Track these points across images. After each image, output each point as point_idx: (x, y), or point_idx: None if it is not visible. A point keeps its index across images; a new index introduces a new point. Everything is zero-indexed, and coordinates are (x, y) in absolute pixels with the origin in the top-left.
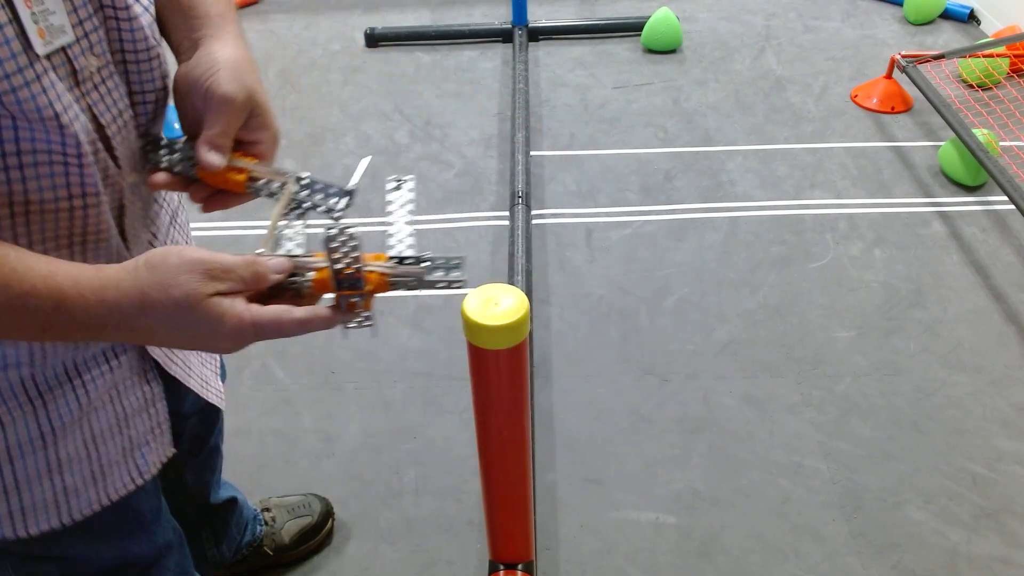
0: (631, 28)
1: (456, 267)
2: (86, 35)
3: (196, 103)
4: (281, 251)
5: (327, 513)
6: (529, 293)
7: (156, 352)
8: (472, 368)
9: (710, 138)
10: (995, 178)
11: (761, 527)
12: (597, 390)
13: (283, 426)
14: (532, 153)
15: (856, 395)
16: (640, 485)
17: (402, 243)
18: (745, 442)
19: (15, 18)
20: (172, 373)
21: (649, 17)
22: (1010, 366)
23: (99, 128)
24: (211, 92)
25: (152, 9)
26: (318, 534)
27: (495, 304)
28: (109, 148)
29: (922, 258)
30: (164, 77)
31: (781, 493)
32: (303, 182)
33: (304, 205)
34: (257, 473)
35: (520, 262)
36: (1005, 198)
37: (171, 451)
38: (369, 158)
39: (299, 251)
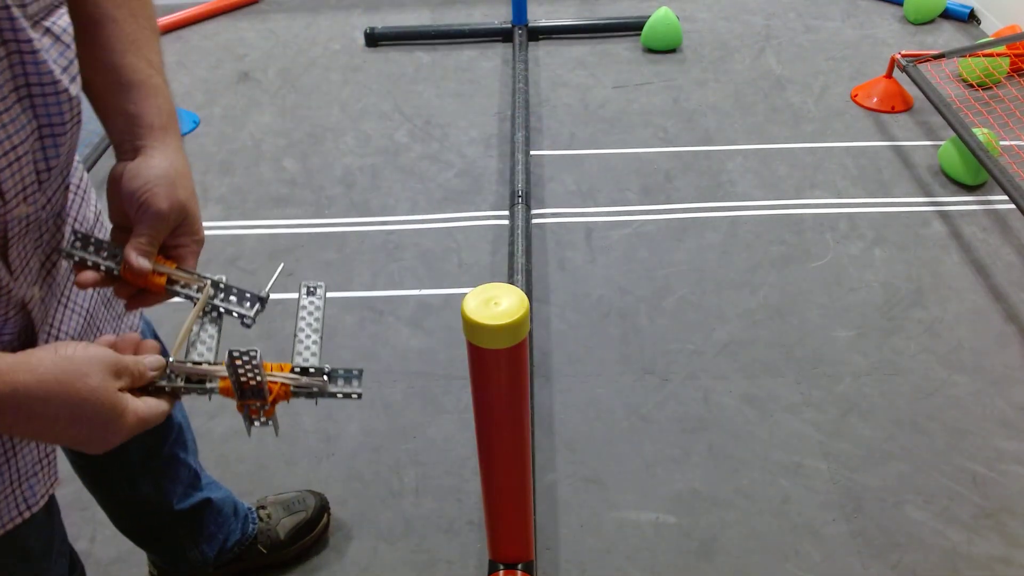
0: (631, 28)
1: (356, 378)
2: None
3: (128, 208)
4: (193, 355)
5: (322, 508)
6: (529, 293)
7: None
8: (472, 368)
9: (710, 138)
10: (995, 178)
11: (761, 527)
12: (597, 390)
13: (283, 426)
14: (532, 153)
15: (856, 395)
16: (640, 485)
17: (308, 351)
18: (745, 442)
19: None
20: None
21: (649, 17)
22: (1010, 366)
23: None
24: (145, 206)
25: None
26: (313, 529)
27: (495, 304)
28: None
29: (922, 258)
30: (76, 116)
31: (781, 493)
32: (220, 287)
33: (220, 309)
34: (257, 473)
35: (520, 262)
36: (1005, 198)
37: (58, 482)
38: (282, 266)
39: (209, 355)
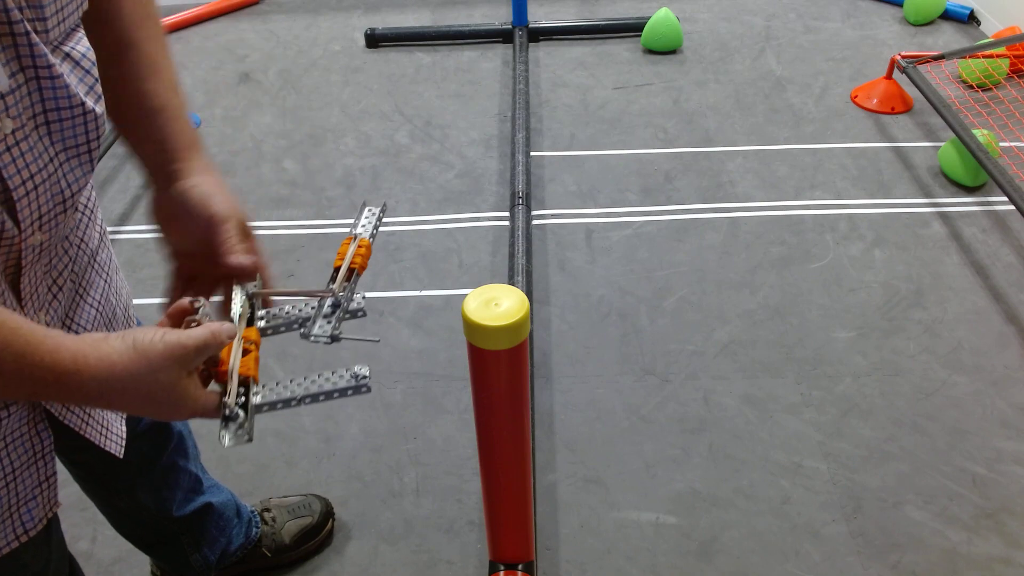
0: (631, 28)
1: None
2: (2, 96)
3: (194, 228)
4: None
5: (327, 513)
6: (529, 293)
7: (52, 405)
8: (472, 368)
9: (710, 138)
10: (995, 178)
11: (761, 527)
12: (597, 390)
13: (283, 427)
14: (532, 153)
15: (856, 395)
16: (640, 485)
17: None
18: (745, 442)
19: None
20: (67, 423)
21: (649, 18)
22: (1010, 366)
23: (5, 190)
24: (216, 218)
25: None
26: (318, 534)
27: (495, 304)
28: (11, 210)
29: (922, 258)
30: (99, 134)
31: (781, 493)
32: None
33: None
34: (258, 474)
35: (520, 262)
36: (1005, 198)
37: (57, 506)
38: (377, 339)
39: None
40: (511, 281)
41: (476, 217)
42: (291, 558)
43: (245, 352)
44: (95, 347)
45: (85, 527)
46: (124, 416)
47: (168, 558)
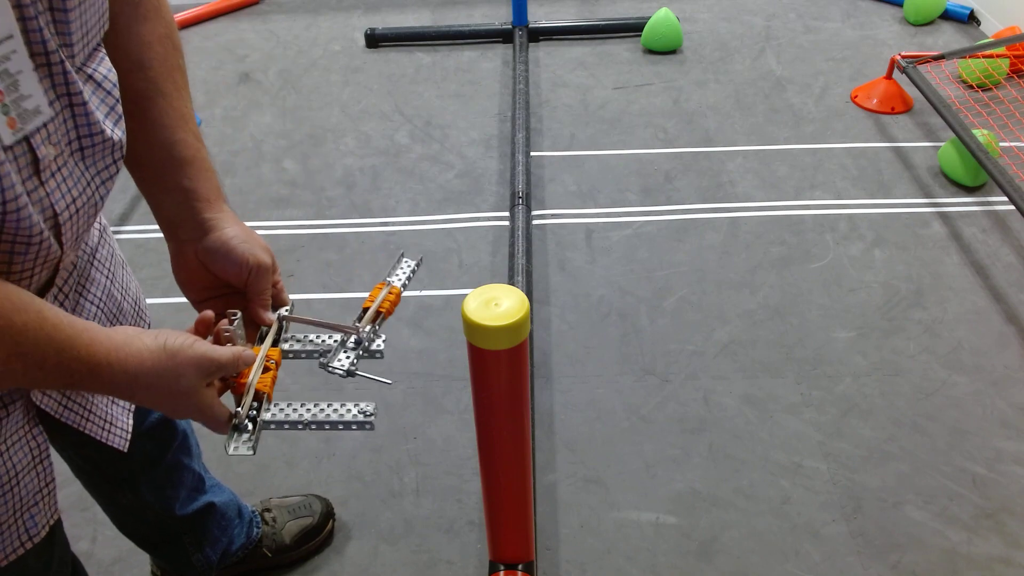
0: (631, 28)
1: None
2: (43, 124)
3: (236, 275)
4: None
5: (328, 514)
6: (529, 293)
7: (47, 402)
8: (472, 368)
9: (710, 138)
10: (995, 178)
11: (761, 527)
12: (597, 390)
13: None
14: (532, 153)
15: (856, 395)
16: (640, 485)
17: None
18: (745, 442)
19: None
20: (64, 420)
21: (649, 17)
22: (1010, 366)
23: (53, 216)
24: (258, 268)
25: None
26: (319, 535)
27: (495, 304)
28: (58, 235)
29: (922, 258)
30: (120, 160)
31: (781, 493)
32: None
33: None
34: (258, 474)
35: (520, 262)
36: (1005, 198)
37: (58, 514)
38: (389, 383)
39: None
40: (511, 281)
41: (476, 217)
42: (291, 558)
43: (266, 369)
44: (128, 343)
45: (85, 527)
46: (131, 410)
47: (170, 557)
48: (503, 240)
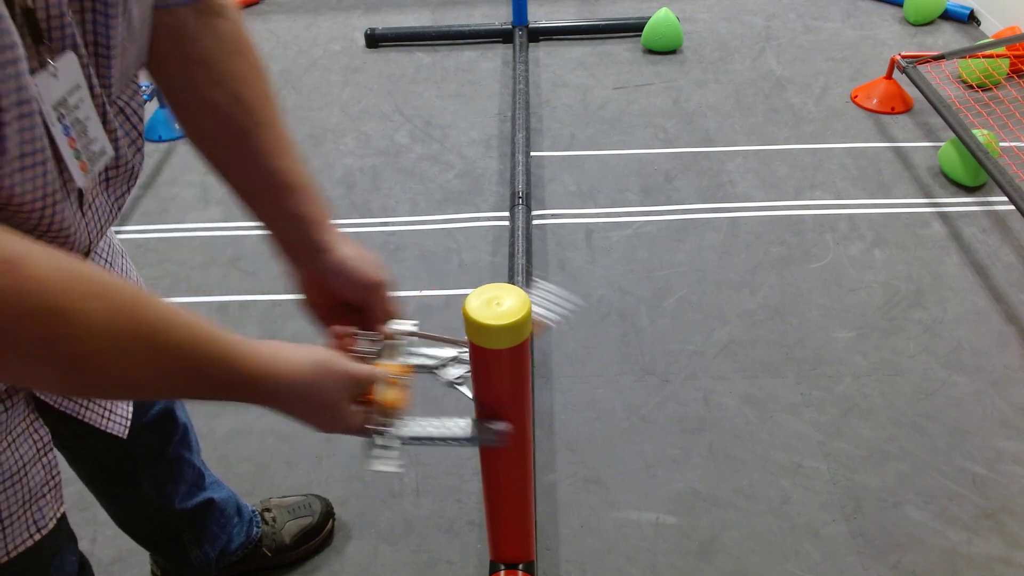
0: (631, 28)
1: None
2: (106, 166)
3: (355, 295)
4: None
5: (328, 513)
6: None
7: (46, 393)
8: (473, 367)
9: (710, 138)
10: (995, 178)
11: (761, 527)
12: (597, 390)
13: (283, 426)
14: (532, 153)
15: (856, 395)
16: (640, 485)
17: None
18: (745, 442)
19: (57, 156)
20: (64, 409)
21: (649, 17)
22: (1010, 366)
23: (87, 243)
24: (375, 286)
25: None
26: (319, 534)
27: (497, 304)
28: (86, 255)
29: (922, 258)
30: (131, 187)
31: (781, 493)
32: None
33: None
34: (258, 473)
35: (520, 262)
36: (1005, 198)
37: (64, 507)
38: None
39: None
40: (511, 281)
41: (476, 217)
42: (291, 558)
43: (392, 385)
44: (281, 355)
45: (85, 527)
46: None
47: (169, 554)
48: (503, 240)
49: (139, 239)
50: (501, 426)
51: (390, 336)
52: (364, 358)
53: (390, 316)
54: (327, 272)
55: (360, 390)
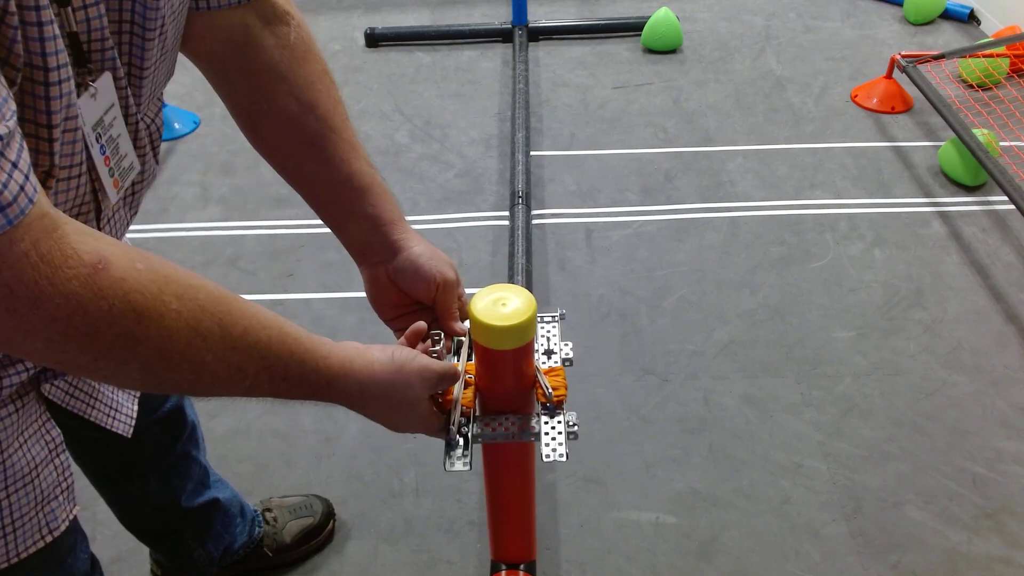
0: (631, 28)
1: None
2: (135, 180)
3: (426, 293)
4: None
5: (328, 514)
6: None
7: (54, 392)
8: (478, 368)
9: (710, 138)
10: (995, 178)
11: (761, 527)
12: (597, 390)
13: (283, 426)
14: (532, 153)
15: (856, 395)
16: (640, 485)
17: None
18: (745, 442)
19: (94, 175)
20: (70, 408)
21: (649, 17)
22: (1010, 366)
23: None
24: (445, 284)
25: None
26: (319, 534)
27: (503, 304)
28: None
29: (922, 258)
30: (142, 197)
31: (781, 493)
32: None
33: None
34: (257, 473)
35: (520, 262)
36: (1005, 198)
37: (76, 509)
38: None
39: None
40: (511, 281)
41: (476, 217)
42: (292, 558)
43: (467, 385)
44: (360, 355)
45: (85, 526)
46: (137, 396)
47: (171, 553)
48: (503, 240)
49: (139, 239)
50: (573, 417)
51: (462, 334)
52: (440, 357)
53: (462, 315)
54: (401, 271)
55: (439, 389)
